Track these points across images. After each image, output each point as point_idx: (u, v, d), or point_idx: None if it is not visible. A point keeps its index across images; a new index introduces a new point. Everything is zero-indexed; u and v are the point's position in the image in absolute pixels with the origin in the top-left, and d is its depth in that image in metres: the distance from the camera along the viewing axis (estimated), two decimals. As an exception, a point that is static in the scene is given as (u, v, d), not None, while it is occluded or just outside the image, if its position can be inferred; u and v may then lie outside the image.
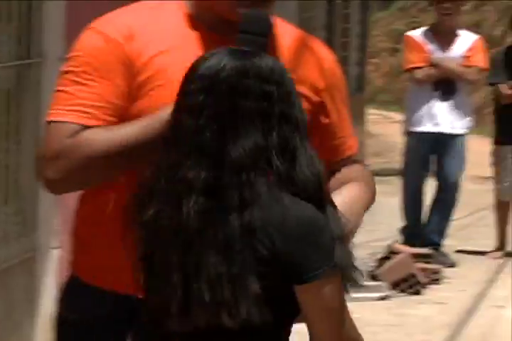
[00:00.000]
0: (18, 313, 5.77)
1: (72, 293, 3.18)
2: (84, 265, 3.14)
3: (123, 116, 2.97)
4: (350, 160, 3.21)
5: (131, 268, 2.93)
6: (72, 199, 5.91)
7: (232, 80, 2.80)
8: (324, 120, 3.16)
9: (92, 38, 3.02)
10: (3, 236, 5.63)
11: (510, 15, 11.05)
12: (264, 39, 2.90)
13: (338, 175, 3.15)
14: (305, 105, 2.99)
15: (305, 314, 2.89)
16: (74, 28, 5.94)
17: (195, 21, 3.09)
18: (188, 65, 2.84)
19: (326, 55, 3.23)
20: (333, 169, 3.13)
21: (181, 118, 2.79)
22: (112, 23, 3.02)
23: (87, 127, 2.93)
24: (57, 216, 5.97)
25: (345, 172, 3.17)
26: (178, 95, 2.81)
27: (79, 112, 2.94)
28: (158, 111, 2.92)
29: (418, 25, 20.68)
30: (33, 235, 5.91)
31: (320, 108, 3.15)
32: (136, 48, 2.99)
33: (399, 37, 21.25)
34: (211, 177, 2.73)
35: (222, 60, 2.81)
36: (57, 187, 3.06)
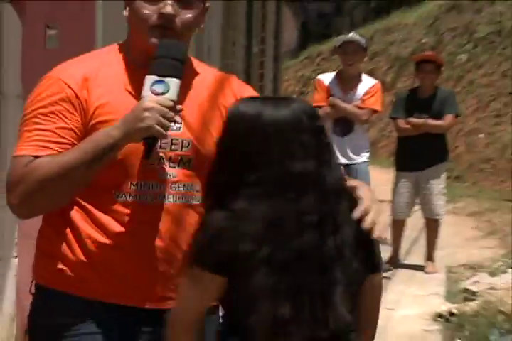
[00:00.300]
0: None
1: (51, 302, 3.14)
2: (63, 277, 3.07)
3: None
4: None
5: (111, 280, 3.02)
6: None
7: (310, 123, 2.83)
8: None
9: (50, 85, 3.04)
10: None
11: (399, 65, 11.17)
12: (180, 63, 2.98)
13: None
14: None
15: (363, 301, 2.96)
16: (29, 69, 5.98)
17: (133, 65, 3.11)
18: (127, 103, 2.98)
19: (241, 87, 3.28)
20: None
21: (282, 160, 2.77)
22: (68, 72, 3.06)
23: (40, 157, 2.97)
24: (16, 230, 5.97)
25: None
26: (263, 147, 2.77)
27: (36, 146, 2.97)
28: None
29: (321, 72, 20.90)
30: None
31: None
32: (88, 94, 3.02)
33: (305, 81, 21.37)
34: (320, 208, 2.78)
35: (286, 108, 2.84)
36: (20, 210, 3.07)
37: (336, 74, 9.40)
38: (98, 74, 3.07)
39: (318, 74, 20.73)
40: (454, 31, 17.33)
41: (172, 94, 2.92)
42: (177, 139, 3.09)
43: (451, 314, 7.20)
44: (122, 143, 2.92)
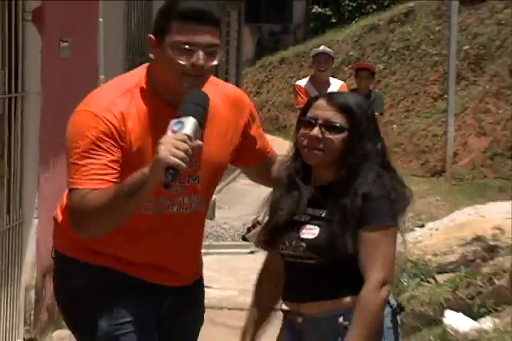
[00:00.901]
0: (9, 259, 5.71)
1: (84, 270, 2.97)
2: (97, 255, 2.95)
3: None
4: (274, 154, 3.21)
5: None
6: (46, 187, 5.90)
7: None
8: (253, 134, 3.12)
9: (95, 122, 2.77)
10: (5, 208, 5.62)
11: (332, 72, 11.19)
12: (201, 108, 2.75)
13: (275, 161, 3.17)
14: (234, 142, 3.02)
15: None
16: (47, 73, 5.95)
17: (159, 100, 2.88)
18: (158, 133, 2.71)
19: (245, 101, 3.11)
20: (269, 158, 3.16)
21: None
22: (108, 110, 2.79)
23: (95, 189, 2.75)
24: (36, 196, 5.95)
25: (276, 159, 3.18)
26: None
27: (95, 180, 2.75)
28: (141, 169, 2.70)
29: (272, 77, 21.06)
30: (20, 209, 5.87)
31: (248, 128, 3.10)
32: (125, 128, 2.80)
33: (260, 84, 21.38)
34: None
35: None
36: (81, 234, 2.85)
37: (310, 78, 9.36)
38: (131, 110, 2.83)
39: (269, 78, 20.90)
40: (373, 46, 17.35)
41: (186, 129, 2.65)
42: None
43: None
44: (150, 177, 2.65)
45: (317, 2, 22.32)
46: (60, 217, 3.04)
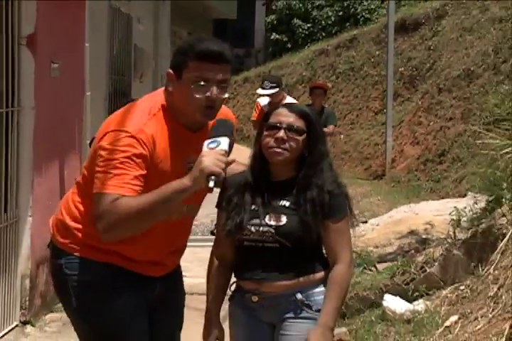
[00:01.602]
0: (7, 252, 5.67)
1: (87, 265, 2.91)
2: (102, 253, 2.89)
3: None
4: None
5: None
6: (38, 190, 5.84)
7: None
8: None
9: (132, 142, 2.72)
10: (3, 208, 5.55)
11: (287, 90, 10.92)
12: (229, 131, 2.82)
13: None
14: None
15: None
16: (39, 90, 5.90)
17: (177, 124, 2.85)
18: (176, 154, 2.77)
19: (229, 115, 3.07)
20: None
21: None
22: (143, 133, 2.75)
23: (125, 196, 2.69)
24: (30, 196, 5.89)
25: None
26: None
27: (126, 188, 2.69)
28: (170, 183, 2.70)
29: (237, 94, 21.03)
30: (16, 208, 5.80)
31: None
32: (154, 151, 2.77)
33: (227, 100, 21.36)
34: None
35: None
36: (105, 236, 2.77)
37: (270, 97, 9.12)
38: (157, 133, 2.79)
39: (235, 95, 20.85)
40: (323, 68, 17.38)
41: (222, 146, 2.73)
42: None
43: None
44: (191, 185, 2.68)
45: (275, 30, 22.33)
46: (68, 219, 2.95)
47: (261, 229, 2.93)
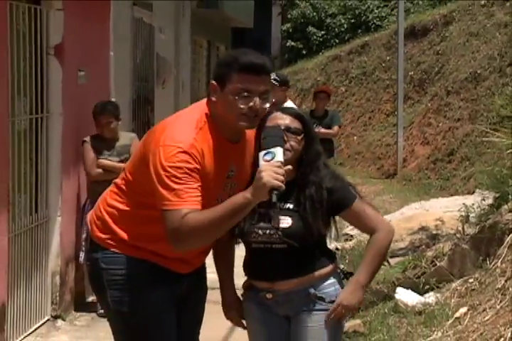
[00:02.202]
0: (38, 250, 5.68)
1: (118, 260, 2.92)
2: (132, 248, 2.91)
3: None
4: None
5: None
6: (67, 191, 5.85)
7: None
8: None
9: (186, 157, 2.72)
10: (29, 209, 5.56)
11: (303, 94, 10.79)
12: (280, 138, 2.80)
13: None
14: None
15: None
16: (67, 97, 5.92)
17: (220, 135, 2.85)
18: (221, 166, 2.79)
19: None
20: None
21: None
22: (194, 147, 2.75)
23: (193, 209, 2.70)
24: (59, 197, 5.90)
25: None
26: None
27: (191, 201, 2.71)
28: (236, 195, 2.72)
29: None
30: (46, 209, 5.81)
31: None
32: (203, 161, 2.77)
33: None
34: None
35: None
36: (179, 248, 2.79)
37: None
38: (204, 146, 2.79)
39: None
40: (336, 73, 17.34)
41: (278, 157, 2.70)
42: (228, 183, 2.92)
43: (337, 249, 7.18)
44: (254, 199, 2.68)
45: (290, 37, 22.31)
46: (106, 217, 2.97)
47: (268, 231, 2.93)
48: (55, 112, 5.84)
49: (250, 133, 3.00)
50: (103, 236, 2.97)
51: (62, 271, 5.92)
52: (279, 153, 2.72)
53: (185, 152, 2.74)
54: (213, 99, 2.86)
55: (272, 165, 2.67)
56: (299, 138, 2.97)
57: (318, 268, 2.95)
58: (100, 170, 5.98)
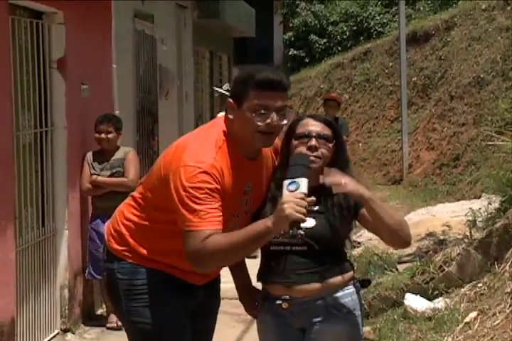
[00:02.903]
0: (46, 264, 5.69)
1: (136, 271, 2.95)
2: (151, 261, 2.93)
3: None
4: None
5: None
6: (73, 204, 5.87)
7: None
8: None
9: (206, 177, 2.73)
10: (36, 222, 5.57)
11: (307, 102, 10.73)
12: (305, 167, 2.78)
13: None
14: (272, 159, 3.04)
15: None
16: (71, 110, 5.94)
17: (237, 152, 2.86)
18: (238, 183, 2.80)
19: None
20: None
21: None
22: (214, 168, 2.75)
23: (215, 230, 2.72)
24: (66, 211, 5.91)
25: None
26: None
27: (212, 222, 2.72)
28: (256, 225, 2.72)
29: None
30: (53, 222, 5.82)
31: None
32: (222, 180, 2.78)
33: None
34: None
35: None
36: (201, 269, 2.83)
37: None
38: (224, 166, 2.80)
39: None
40: (340, 80, 17.35)
41: (302, 188, 2.68)
42: (244, 199, 2.93)
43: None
44: (275, 229, 2.69)
45: (293, 46, 22.33)
46: (123, 229, 2.99)
47: (290, 231, 2.89)
48: (60, 126, 5.85)
49: (267, 149, 3.01)
50: (119, 248, 2.99)
51: (71, 284, 5.92)
52: (303, 183, 2.69)
53: (205, 172, 2.74)
54: (231, 116, 2.85)
55: (295, 196, 2.65)
56: (330, 145, 2.97)
57: (338, 273, 2.92)
58: (89, 186, 5.99)
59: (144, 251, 2.94)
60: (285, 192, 2.70)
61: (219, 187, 2.76)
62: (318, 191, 2.90)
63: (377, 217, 2.85)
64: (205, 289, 3.04)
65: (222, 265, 2.89)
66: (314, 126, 2.96)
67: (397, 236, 2.90)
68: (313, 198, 2.71)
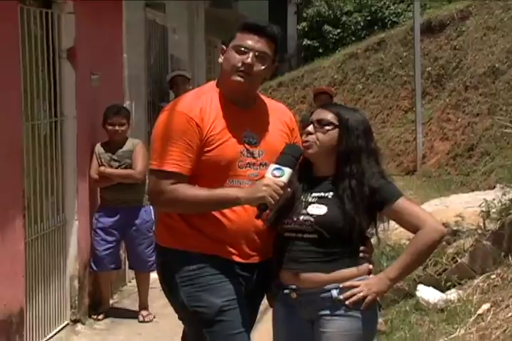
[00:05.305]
0: (56, 254, 5.68)
1: (182, 257, 2.96)
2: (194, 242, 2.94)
3: (196, 162, 2.89)
4: None
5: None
6: (83, 195, 5.85)
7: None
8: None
9: (178, 118, 2.89)
10: (51, 213, 5.57)
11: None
12: (295, 159, 2.88)
13: None
14: (285, 137, 3.07)
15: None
16: (81, 100, 5.91)
17: (226, 99, 2.99)
18: (224, 125, 2.90)
19: (287, 111, 3.21)
20: None
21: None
22: (190, 108, 2.92)
23: (178, 174, 2.86)
24: (76, 202, 5.90)
25: None
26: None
27: (173, 164, 2.86)
28: (230, 188, 2.86)
29: (272, 98, 20.75)
30: (63, 213, 5.81)
31: (291, 137, 3.11)
32: (203, 123, 2.90)
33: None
34: None
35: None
36: (159, 207, 3.06)
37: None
38: (207, 107, 2.94)
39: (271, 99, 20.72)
40: (353, 70, 17.25)
41: (285, 178, 2.82)
42: (256, 150, 2.99)
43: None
44: (242, 202, 2.85)
45: (306, 36, 22.23)
46: (163, 216, 3.03)
47: (301, 217, 2.87)
48: (70, 116, 5.83)
49: (274, 107, 3.13)
50: (166, 237, 3.01)
51: (81, 275, 5.91)
52: (287, 174, 2.82)
53: (179, 113, 2.90)
54: (220, 60, 3.03)
55: (277, 183, 2.79)
56: (329, 130, 2.95)
57: (346, 266, 2.86)
58: (96, 177, 5.97)
59: (189, 228, 2.94)
60: (268, 175, 2.83)
61: (197, 131, 2.88)
62: (331, 180, 2.91)
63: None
64: (257, 278, 3.01)
65: (182, 212, 2.94)
66: (317, 114, 3.00)
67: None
68: (289, 190, 2.83)
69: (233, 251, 2.96)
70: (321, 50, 21.42)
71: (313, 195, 2.92)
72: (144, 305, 6.11)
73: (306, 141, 2.96)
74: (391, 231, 6.89)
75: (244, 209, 2.92)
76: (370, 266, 2.94)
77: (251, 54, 2.94)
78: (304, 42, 22.32)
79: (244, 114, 2.98)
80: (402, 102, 14.94)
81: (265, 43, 2.97)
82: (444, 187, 10.50)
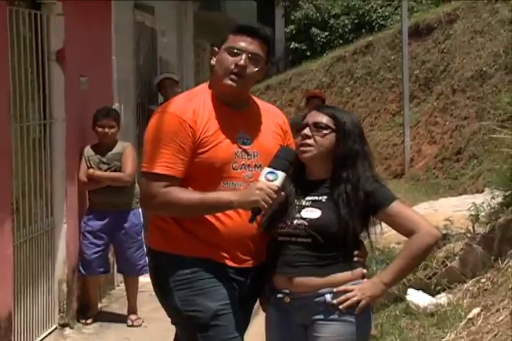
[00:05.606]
0: (44, 258, 5.65)
1: (176, 261, 2.93)
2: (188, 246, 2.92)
3: (189, 165, 2.87)
4: None
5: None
6: (71, 198, 5.82)
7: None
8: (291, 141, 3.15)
9: (170, 120, 2.89)
10: (39, 216, 5.52)
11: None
12: (288, 163, 2.87)
13: None
14: (279, 139, 3.07)
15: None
16: (70, 103, 5.88)
17: (218, 101, 2.98)
18: (217, 127, 2.88)
19: (280, 113, 3.21)
20: None
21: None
22: (182, 110, 2.91)
23: (170, 177, 2.85)
24: (64, 205, 5.86)
25: None
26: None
27: (165, 167, 2.85)
28: (222, 193, 2.85)
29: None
30: (51, 216, 5.77)
31: (284, 139, 3.10)
32: (196, 125, 2.89)
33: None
34: None
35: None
36: (150, 211, 3.04)
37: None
38: (200, 109, 2.93)
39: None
40: (341, 73, 17.27)
41: (278, 182, 2.81)
42: (250, 151, 2.98)
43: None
44: (235, 206, 2.84)
45: (294, 39, 22.25)
46: (156, 220, 3.01)
47: (295, 221, 2.86)
48: (59, 118, 5.80)
49: (267, 109, 3.13)
50: (159, 241, 2.99)
51: (69, 279, 5.88)
52: (280, 177, 2.81)
53: (171, 116, 2.88)
54: (212, 62, 3.02)
55: (270, 187, 2.78)
56: (326, 134, 2.92)
57: (341, 271, 2.85)
58: (85, 179, 5.93)
59: (182, 231, 2.92)
60: (262, 179, 2.82)
61: (190, 133, 2.86)
62: (326, 184, 2.89)
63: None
64: (252, 278, 2.99)
65: (173, 215, 2.92)
66: (312, 116, 2.99)
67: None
68: (282, 194, 2.81)
69: (227, 255, 2.94)
70: (308, 53, 21.45)
71: (307, 198, 2.91)
72: (132, 310, 6.08)
73: (304, 145, 2.93)
74: (380, 235, 6.89)
75: (238, 213, 2.91)
76: (364, 271, 2.92)
77: (244, 56, 2.94)
78: (292, 45, 22.35)
79: (237, 116, 2.98)
80: (389, 105, 14.97)
81: (258, 45, 2.98)
82: (432, 191, 10.52)
